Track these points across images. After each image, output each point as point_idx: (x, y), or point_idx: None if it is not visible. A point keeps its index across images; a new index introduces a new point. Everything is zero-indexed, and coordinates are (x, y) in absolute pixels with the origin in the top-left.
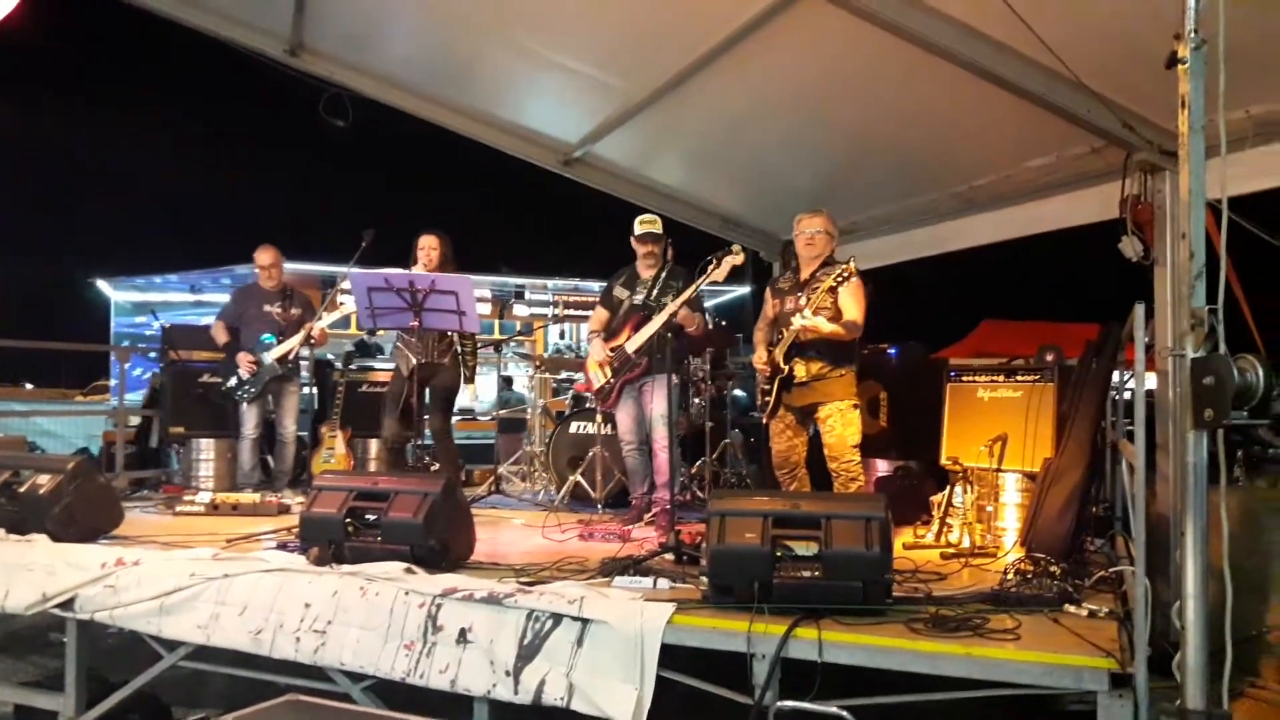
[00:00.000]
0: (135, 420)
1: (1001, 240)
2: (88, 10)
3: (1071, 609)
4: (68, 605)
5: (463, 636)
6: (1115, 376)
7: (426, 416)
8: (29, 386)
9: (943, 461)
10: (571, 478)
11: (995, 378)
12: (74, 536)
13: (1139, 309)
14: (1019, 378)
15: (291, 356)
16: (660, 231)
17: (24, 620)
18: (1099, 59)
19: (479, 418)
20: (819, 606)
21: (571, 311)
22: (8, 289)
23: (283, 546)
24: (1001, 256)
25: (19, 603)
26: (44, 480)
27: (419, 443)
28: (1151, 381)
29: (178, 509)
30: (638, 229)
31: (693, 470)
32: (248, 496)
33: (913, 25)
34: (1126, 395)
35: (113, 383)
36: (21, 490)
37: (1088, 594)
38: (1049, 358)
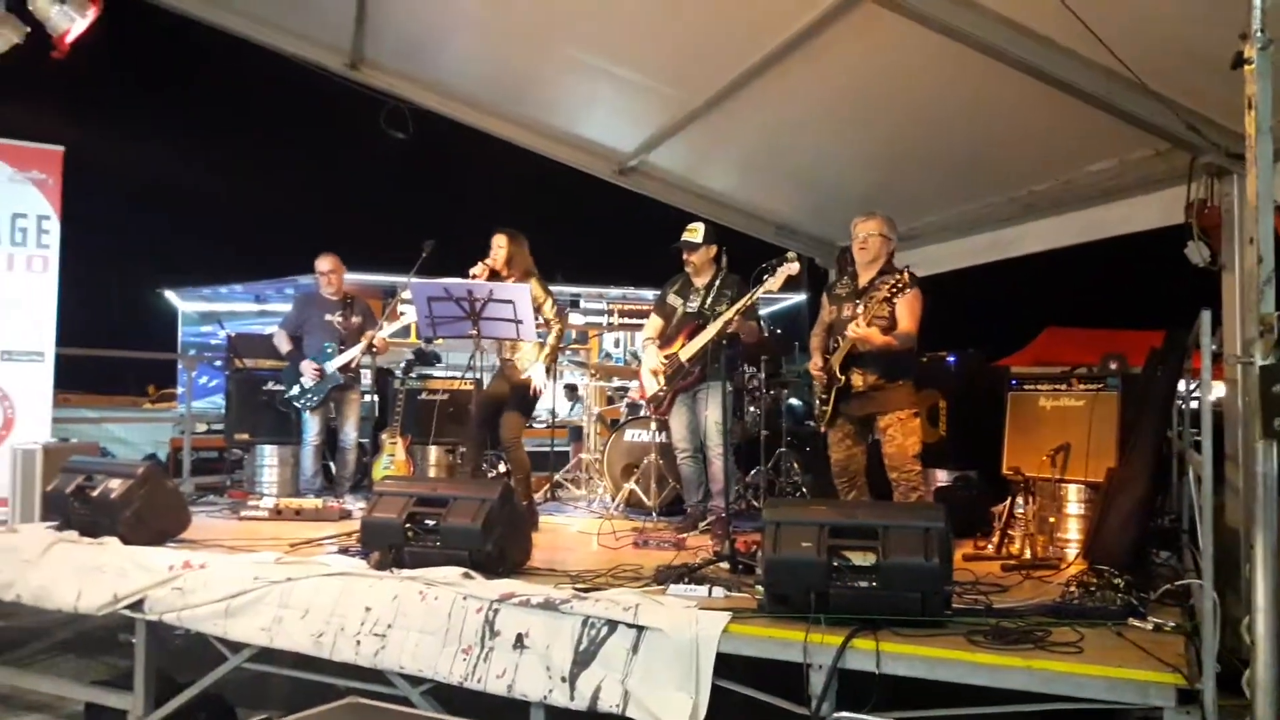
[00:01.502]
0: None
1: (1063, 246)
2: (151, 26)
3: (1137, 622)
4: (137, 606)
5: (519, 642)
6: (1181, 385)
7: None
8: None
9: (1004, 471)
10: (626, 485)
11: (1057, 386)
12: (143, 539)
13: (1205, 315)
14: (1081, 386)
15: (354, 365)
16: (697, 240)
17: (95, 620)
18: (1161, 60)
19: (534, 425)
20: (877, 617)
21: (627, 320)
22: (81, 300)
23: (344, 551)
24: (1064, 262)
25: (91, 603)
26: (115, 485)
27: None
28: (1219, 390)
29: (242, 514)
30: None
31: (747, 478)
32: (310, 502)
33: (967, 27)
34: (1193, 404)
35: (179, 390)
36: (94, 495)
37: (1154, 607)
38: (1112, 366)
